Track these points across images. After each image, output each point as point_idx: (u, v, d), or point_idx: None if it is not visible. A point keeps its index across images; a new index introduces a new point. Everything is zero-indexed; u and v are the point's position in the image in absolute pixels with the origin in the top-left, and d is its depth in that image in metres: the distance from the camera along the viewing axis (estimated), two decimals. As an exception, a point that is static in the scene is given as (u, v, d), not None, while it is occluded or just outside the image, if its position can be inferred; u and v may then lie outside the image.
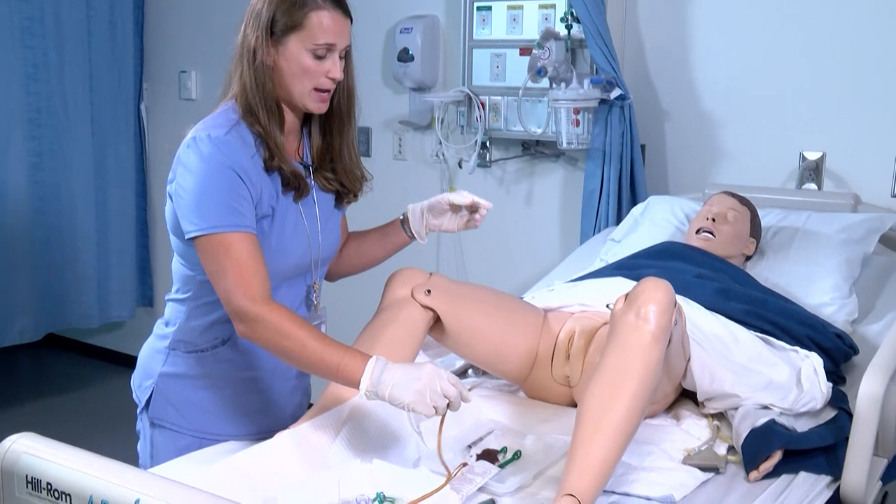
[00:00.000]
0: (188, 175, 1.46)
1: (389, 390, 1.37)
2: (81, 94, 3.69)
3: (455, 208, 1.75)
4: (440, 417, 1.40)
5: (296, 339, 1.40)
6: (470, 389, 1.86)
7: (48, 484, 1.05)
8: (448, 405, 1.40)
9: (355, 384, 1.39)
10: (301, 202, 1.59)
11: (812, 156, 2.49)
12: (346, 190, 1.68)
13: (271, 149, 1.52)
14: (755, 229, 2.25)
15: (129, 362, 1.78)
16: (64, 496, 1.03)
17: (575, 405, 1.49)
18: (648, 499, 1.47)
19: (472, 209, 1.75)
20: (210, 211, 1.44)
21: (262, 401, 1.68)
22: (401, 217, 1.79)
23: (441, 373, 1.40)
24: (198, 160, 1.45)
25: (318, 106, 1.56)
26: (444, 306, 1.74)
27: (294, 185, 1.57)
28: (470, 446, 1.63)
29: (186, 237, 1.46)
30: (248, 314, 1.41)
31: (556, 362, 1.82)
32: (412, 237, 1.79)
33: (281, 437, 1.54)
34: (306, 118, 1.63)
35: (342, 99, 1.60)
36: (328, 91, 1.55)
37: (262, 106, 1.51)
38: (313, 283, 1.68)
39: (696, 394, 1.77)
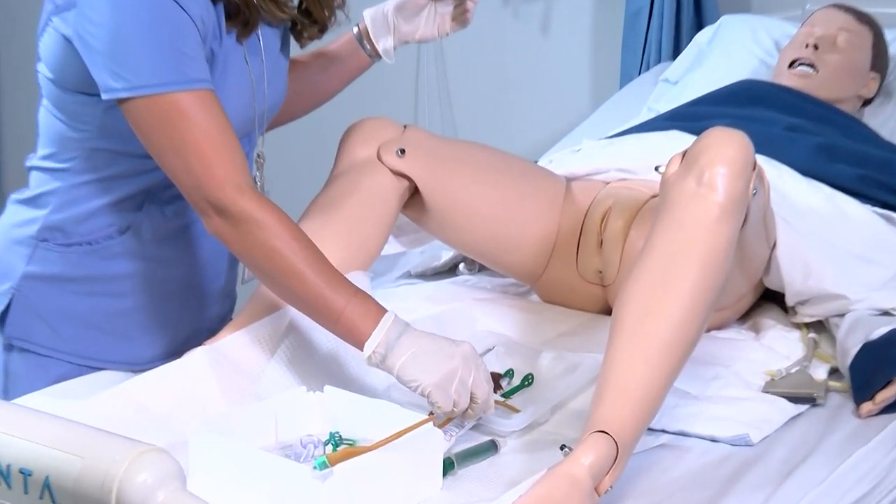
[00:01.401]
0: (102, 4, 1.41)
1: (404, 360, 1.41)
2: None
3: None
4: (444, 418, 1.44)
5: (292, 259, 1.42)
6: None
7: None
8: (468, 409, 1.43)
9: (359, 342, 1.43)
10: (245, 42, 1.57)
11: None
12: (310, 21, 1.66)
13: None
14: (879, 59, 2.22)
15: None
16: None
17: (609, 311, 1.49)
18: (714, 440, 1.49)
19: (459, 1, 1.75)
20: (146, 60, 1.41)
21: (175, 311, 1.70)
22: (355, 29, 1.77)
23: (479, 362, 1.45)
24: None
25: None
26: (424, 172, 1.73)
27: (243, 18, 1.54)
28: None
29: (106, 97, 1.43)
30: (233, 209, 1.42)
31: (583, 252, 1.83)
32: (374, 56, 1.78)
33: (193, 356, 1.55)
34: None
35: None
36: None
37: None
38: (257, 156, 1.69)
39: (783, 295, 1.79)
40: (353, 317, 1.42)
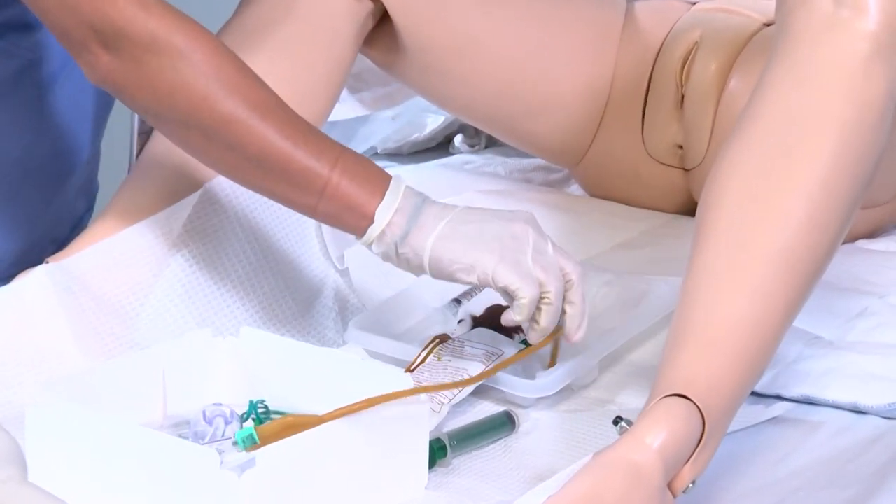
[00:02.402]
0: None
1: (440, 232, 1.44)
2: None
3: None
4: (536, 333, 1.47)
5: (240, 107, 1.43)
6: None
7: None
8: (565, 298, 1.46)
9: (362, 215, 1.45)
10: None
11: None
12: None
13: None
14: None
15: None
16: None
17: (692, 210, 1.49)
18: (858, 410, 1.52)
19: None
20: None
21: (6, 210, 1.73)
22: None
23: (545, 233, 1.48)
24: None
25: None
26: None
27: None
28: (458, 300, 1.68)
29: None
30: (136, 34, 1.41)
31: (653, 115, 1.86)
32: None
33: (30, 280, 1.57)
34: None
35: None
36: None
37: None
38: None
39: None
40: (344, 183, 1.44)
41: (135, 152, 1.78)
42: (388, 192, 1.44)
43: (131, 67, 1.43)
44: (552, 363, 1.56)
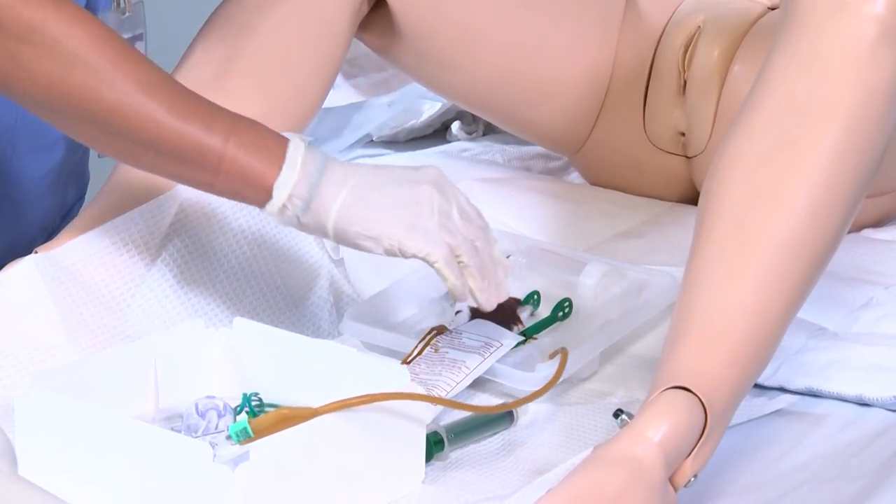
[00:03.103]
0: None
1: (343, 200, 1.42)
2: None
3: None
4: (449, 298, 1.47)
5: (123, 89, 1.40)
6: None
7: None
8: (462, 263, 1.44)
9: (260, 188, 1.43)
10: None
11: None
12: None
13: None
14: None
15: None
16: None
17: (695, 199, 1.50)
18: (863, 402, 1.52)
19: None
20: None
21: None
22: None
23: (456, 189, 1.47)
24: None
25: None
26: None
27: None
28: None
29: None
30: (11, 26, 1.39)
31: (654, 102, 1.86)
32: None
33: (17, 271, 1.57)
34: None
35: None
36: None
37: None
38: None
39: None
40: (239, 155, 1.42)
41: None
42: (285, 165, 1.41)
43: (6, 59, 1.41)
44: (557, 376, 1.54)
